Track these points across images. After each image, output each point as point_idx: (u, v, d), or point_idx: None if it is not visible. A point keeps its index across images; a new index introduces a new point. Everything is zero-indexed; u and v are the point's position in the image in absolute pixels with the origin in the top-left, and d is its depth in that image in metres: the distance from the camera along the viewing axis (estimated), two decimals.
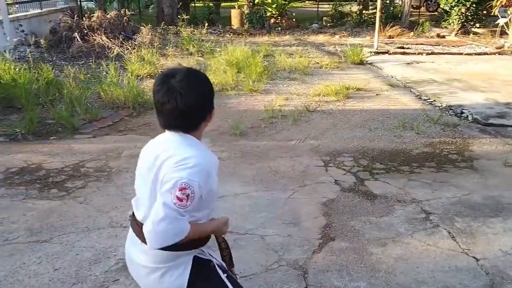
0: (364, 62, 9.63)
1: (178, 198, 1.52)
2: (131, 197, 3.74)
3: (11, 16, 10.01)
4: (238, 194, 3.93)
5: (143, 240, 1.60)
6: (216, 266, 1.77)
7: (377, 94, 7.20)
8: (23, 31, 10.15)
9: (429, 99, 6.90)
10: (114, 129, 5.63)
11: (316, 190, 4.02)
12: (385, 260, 3.00)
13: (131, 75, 7.43)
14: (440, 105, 6.61)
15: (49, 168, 4.43)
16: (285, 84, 7.80)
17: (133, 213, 1.78)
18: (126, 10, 11.86)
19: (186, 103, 1.59)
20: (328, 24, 15.55)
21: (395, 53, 10.60)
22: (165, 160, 1.61)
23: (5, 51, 7.59)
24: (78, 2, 14.12)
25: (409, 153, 4.90)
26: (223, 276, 1.77)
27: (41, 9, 11.89)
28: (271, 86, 7.63)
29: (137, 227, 1.71)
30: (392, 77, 8.41)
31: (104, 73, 7.41)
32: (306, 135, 5.44)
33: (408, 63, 9.58)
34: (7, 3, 9.98)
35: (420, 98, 7.02)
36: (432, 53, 10.60)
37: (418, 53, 10.57)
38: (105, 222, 3.45)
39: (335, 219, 3.53)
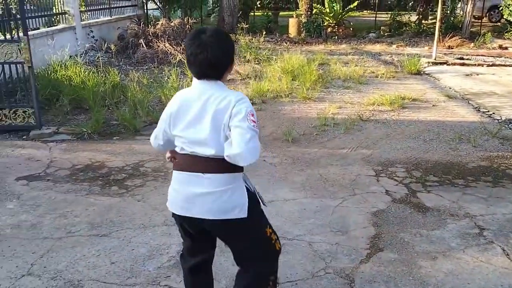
0: (421, 72, 9.43)
1: (253, 121, 1.92)
2: None
3: (83, 22, 10.69)
4: (288, 200, 4.02)
5: (205, 171, 2.01)
6: (257, 194, 2.20)
7: (433, 105, 7.05)
8: (93, 37, 10.82)
9: (488, 111, 6.66)
10: None
11: (367, 199, 4.03)
12: (434, 274, 2.97)
13: (190, 80, 7.72)
14: (500, 118, 6.37)
15: (111, 166, 4.74)
16: (339, 93, 7.81)
17: (183, 154, 2.08)
18: (189, 18, 12.31)
19: (214, 55, 1.95)
20: (386, 34, 15.32)
21: (454, 64, 10.27)
22: (221, 101, 1.97)
23: (76, 55, 8.17)
24: (145, 10, 14.80)
25: (464, 166, 4.79)
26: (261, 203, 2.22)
27: (111, 17, 12.59)
28: (325, 94, 7.68)
29: (199, 161, 2.03)
30: (450, 88, 8.17)
31: (166, 78, 7.79)
32: (358, 144, 5.44)
33: (468, 75, 9.27)
34: (80, 11, 10.67)
35: (479, 110, 6.80)
36: (493, 65, 10.20)
37: (478, 65, 10.20)
38: (160, 220, 3.64)
39: (384, 229, 3.53)
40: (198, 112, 2.00)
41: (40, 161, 4.87)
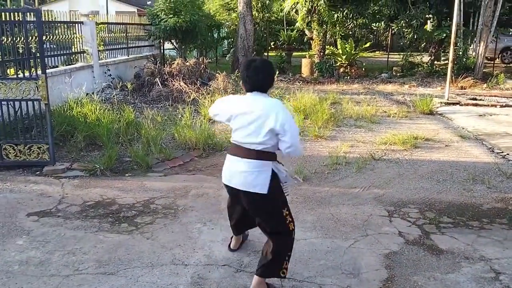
0: (434, 112, 9.42)
1: (296, 129, 2.89)
2: (194, 235, 3.94)
3: (101, 61, 11.00)
4: (298, 240, 3.94)
5: (247, 156, 2.92)
6: (282, 178, 3.06)
7: (446, 145, 6.99)
8: (110, 75, 11.10)
9: (502, 152, 6.58)
10: (184, 169, 5.94)
11: (379, 240, 3.96)
12: None
13: (204, 119, 7.84)
14: None
15: (122, 203, 4.75)
16: (351, 132, 7.82)
17: (234, 143, 3.02)
18: (204, 58, 12.62)
19: (264, 76, 2.95)
20: (398, 74, 15.45)
21: (467, 104, 10.26)
22: (272, 111, 2.84)
23: (93, 93, 8.36)
24: (162, 50, 15.20)
25: (479, 207, 4.69)
26: (283, 185, 3.10)
27: (128, 56, 12.94)
28: (337, 133, 7.69)
29: (245, 149, 2.94)
30: (463, 128, 8.13)
31: (180, 116, 7.90)
32: (370, 183, 5.39)
33: (481, 115, 9.23)
34: (99, 50, 11.00)
35: (493, 151, 6.72)
36: (507, 106, 10.15)
37: (492, 105, 10.17)
38: (168, 259, 3.60)
39: (397, 272, 3.44)
40: (252, 116, 2.87)
41: (52, 197, 4.91)
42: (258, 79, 2.91)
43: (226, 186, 3.09)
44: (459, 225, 4.28)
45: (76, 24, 10.27)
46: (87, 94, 8.46)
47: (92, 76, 10.29)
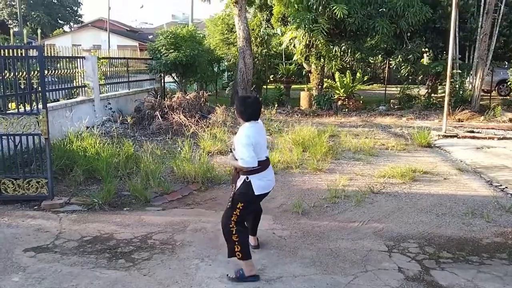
0: (432, 145, 9.47)
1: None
2: (192, 271, 3.93)
3: (101, 95, 11.14)
4: (297, 276, 3.92)
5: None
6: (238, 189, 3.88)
7: (445, 179, 7.00)
8: (111, 108, 11.22)
9: (500, 185, 6.58)
10: (183, 203, 5.92)
11: (379, 276, 3.92)
12: None
13: (203, 152, 7.88)
14: None
15: (119, 239, 4.72)
16: (349, 164, 7.84)
17: (264, 160, 3.89)
18: (204, 91, 12.79)
19: (259, 108, 3.98)
20: (396, 107, 15.60)
21: (464, 137, 10.32)
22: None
23: (93, 127, 8.42)
24: (162, 84, 15.42)
25: (478, 242, 4.66)
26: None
27: (129, 89, 13.11)
28: (335, 166, 7.71)
29: (268, 159, 3.99)
30: (461, 161, 8.15)
31: (179, 149, 7.94)
32: (370, 218, 5.37)
33: (478, 148, 9.27)
34: (100, 84, 11.16)
35: (491, 184, 6.72)
36: (504, 138, 10.20)
37: (489, 138, 10.21)
38: None
39: None
40: (263, 137, 3.97)
41: (49, 232, 4.88)
42: (255, 111, 3.88)
43: (261, 195, 3.89)
44: (459, 260, 4.24)
45: (78, 59, 10.46)
46: (87, 127, 8.52)
47: (93, 110, 10.39)
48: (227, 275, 3.90)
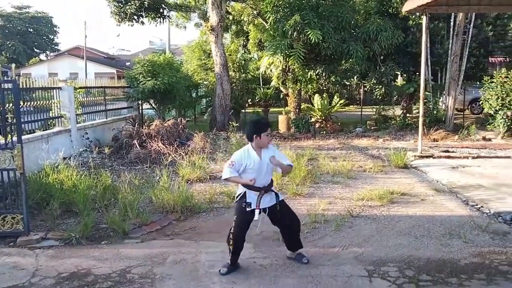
0: (408, 166, 9.64)
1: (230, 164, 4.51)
2: None
3: (79, 125, 11.03)
4: None
5: None
6: (245, 201, 4.53)
7: (422, 199, 7.11)
8: (88, 138, 11.10)
9: (476, 205, 6.71)
10: (162, 233, 5.86)
11: None
12: None
13: (182, 180, 7.83)
14: (488, 211, 6.39)
15: (98, 274, 4.62)
16: (328, 188, 7.90)
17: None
18: (182, 118, 12.80)
19: None
20: (372, 128, 15.87)
21: (439, 157, 10.53)
22: None
23: (70, 158, 8.31)
24: (140, 111, 15.37)
25: (457, 263, 4.73)
26: (243, 208, 4.50)
27: (106, 118, 13.01)
28: (315, 190, 7.76)
29: None
30: (437, 181, 8.30)
31: (157, 178, 7.88)
32: (349, 242, 5.40)
33: (454, 167, 9.46)
34: (77, 114, 11.06)
35: (467, 204, 6.85)
36: (479, 157, 10.44)
37: (464, 157, 10.43)
38: None
39: None
40: None
41: (26, 270, 4.76)
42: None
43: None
44: (438, 283, 4.29)
45: (54, 90, 10.38)
46: (64, 158, 8.40)
47: (69, 140, 10.27)
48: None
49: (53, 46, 58.85)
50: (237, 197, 4.63)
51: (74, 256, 5.11)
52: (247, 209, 4.47)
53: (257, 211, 4.44)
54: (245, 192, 4.54)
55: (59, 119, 10.39)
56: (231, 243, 4.48)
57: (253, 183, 4.37)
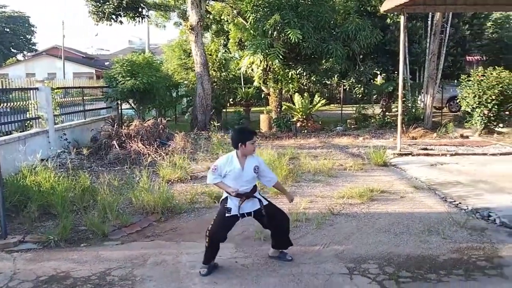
0: (388, 163, 9.75)
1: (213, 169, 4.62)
2: None
3: (56, 126, 10.85)
4: None
5: None
6: (226, 206, 4.59)
7: (401, 197, 7.21)
8: (66, 139, 10.93)
9: (454, 201, 6.83)
10: (142, 235, 5.80)
11: None
12: None
13: (163, 180, 7.77)
14: (466, 208, 6.52)
15: (77, 276, 4.55)
16: (309, 186, 7.94)
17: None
18: (163, 118, 12.70)
19: None
20: (352, 126, 16.02)
21: (418, 154, 10.69)
22: None
23: (48, 159, 8.17)
24: (119, 111, 15.19)
25: (435, 259, 4.80)
26: (224, 212, 4.58)
27: (85, 119, 12.85)
28: (296, 188, 7.78)
29: None
30: (416, 179, 8.42)
31: (138, 179, 7.80)
32: (330, 240, 5.44)
33: (432, 165, 9.61)
34: (54, 115, 10.87)
35: (445, 200, 6.97)
36: (456, 154, 10.62)
37: (442, 154, 10.60)
38: None
39: None
40: None
41: (3, 274, 4.65)
42: None
43: None
44: (417, 279, 4.35)
45: (31, 90, 10.19)
46: (42, 160, 8.24)
47: (47, 142, 10.10)
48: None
49: (30, 46, 57.80)
50: (221, 200, 4.71)
51: (53, 259, 5.02)
52: (226, 214, 4.54)
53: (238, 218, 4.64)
54: (227, 197, 4.59)
55: (37, 120, 10.20)
56: (207, 240, 4.52)
57: (234, 195, 4.46)
